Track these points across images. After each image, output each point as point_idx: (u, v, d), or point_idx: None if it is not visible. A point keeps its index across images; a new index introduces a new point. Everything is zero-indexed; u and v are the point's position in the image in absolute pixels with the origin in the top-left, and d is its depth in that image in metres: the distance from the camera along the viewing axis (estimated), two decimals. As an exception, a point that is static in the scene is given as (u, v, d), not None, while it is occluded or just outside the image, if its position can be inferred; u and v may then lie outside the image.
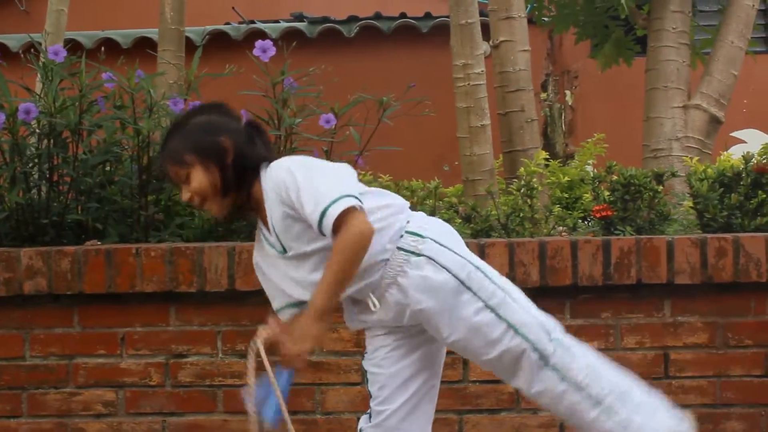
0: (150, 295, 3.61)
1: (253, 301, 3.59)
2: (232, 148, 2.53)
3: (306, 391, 3.59)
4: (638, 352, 3.59)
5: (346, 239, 2.35)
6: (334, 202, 2.34)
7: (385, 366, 2.60)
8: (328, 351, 3.59)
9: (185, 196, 2.56)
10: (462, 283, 2.47)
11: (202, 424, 3.63)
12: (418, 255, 2.47)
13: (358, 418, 3.56)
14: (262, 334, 2.58)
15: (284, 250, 2.53)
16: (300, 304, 2.56)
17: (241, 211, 2.66)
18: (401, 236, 2.49)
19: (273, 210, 2.49)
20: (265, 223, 2.56)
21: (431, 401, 2.67)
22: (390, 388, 2.60)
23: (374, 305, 2.51)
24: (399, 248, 2.48)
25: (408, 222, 2.53)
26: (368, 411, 2.69)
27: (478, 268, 2.53)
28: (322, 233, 2.38)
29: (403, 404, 2.59)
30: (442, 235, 2.54)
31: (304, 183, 2.41)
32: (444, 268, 2.47)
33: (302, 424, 3.59)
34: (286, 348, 2.49)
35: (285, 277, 2.59)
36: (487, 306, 2.47)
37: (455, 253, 2.51)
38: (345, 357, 3.60)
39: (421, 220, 2.58)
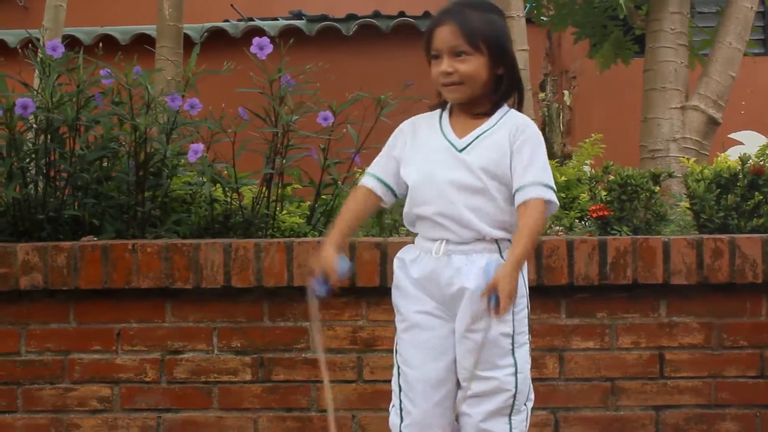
0: (146, 291, 3.60)
1: (248, 298, 3.60)
2: (512, 66, 2.61)
3: (302, 389, 3.59)
4: (633, 352, 3.58)
5: (543, 220, 2.50)
6: (551, 188, 2.51)
7: None
8: (324, 348, 3.58)
9: (446, 66, 2.51)
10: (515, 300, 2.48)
11: (197, 420, 3.62)
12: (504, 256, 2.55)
13: (353, 416, 3.58)
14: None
15: (460, 150, 2.56)
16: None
17: (471, 109, 2.61)
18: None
19: (499, 138, 2.53)
20: (459, 131, 2.59)
21: None
22: None
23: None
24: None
25: None
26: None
27: (528, 303, 2.63)
28: (516, 193, 2.49)
29: None
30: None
31: (543, 154, 2.55)
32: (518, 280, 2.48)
33: (297, 422, 3.59)
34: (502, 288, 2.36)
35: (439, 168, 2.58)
36: (514, 336, 2.56)
37: (525, 279, 2.58)
38: (341, 354, 3.59)
39: None
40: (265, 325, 3.62)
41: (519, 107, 2.66)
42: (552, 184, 2.53)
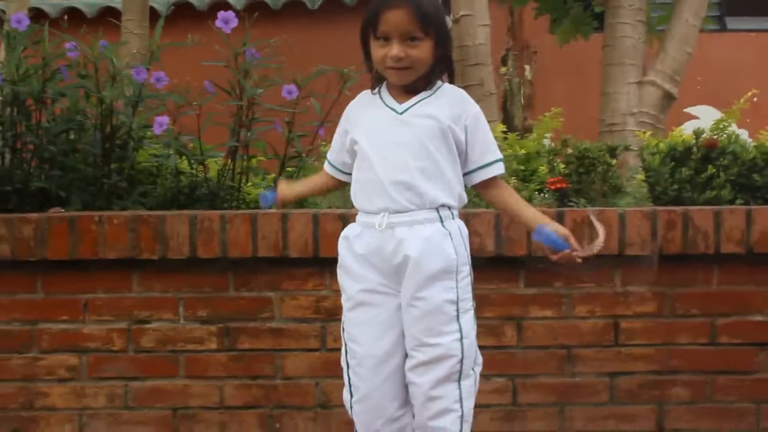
0: (113, 262, 3.61)
1: (213, 269, 3.62)
2: (450, 47, 2.69)
3: (266, 357, 3.62)
4: (589, 320, 3.64)
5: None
6: (501, 160, 2.69)
7: None
8: (288, 317, 3.63)
9: (397, 50, 2.52)
10: (458, 268, 2.59)
11: (164, 388, 3.66)
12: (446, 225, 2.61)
13: (317, 383, 3.63)
14: None
15: (401, 112, 2.63)
16: None
17: (409, 87, 2.65)
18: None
19: (440, 107, 2.61)
20: (399, 98, 2.65)
21: None
22: None
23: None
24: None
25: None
26: None
27: (472, 272, 2.69)
28: (470, 170, 2.66)
29: None
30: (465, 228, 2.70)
31: (487, 129, 2.69)
32: (455, 246, 2.60)
33: (262, 389, 3.63)
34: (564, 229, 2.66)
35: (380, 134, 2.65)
36: (458, 303, 2.60)
37: (467, 249, 2.67)
38: (304, 323, 3.63)
39: None
40: (230, 295, 3.65)
41: (451, 81, 2.74)
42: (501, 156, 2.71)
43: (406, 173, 2.55)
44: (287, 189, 2.92)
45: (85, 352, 3.66)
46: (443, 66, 2.66)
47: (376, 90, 2.70)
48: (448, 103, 2.61)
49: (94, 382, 3.66)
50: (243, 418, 3.65)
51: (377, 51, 2.57)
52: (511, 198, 2.70)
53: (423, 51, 2.54)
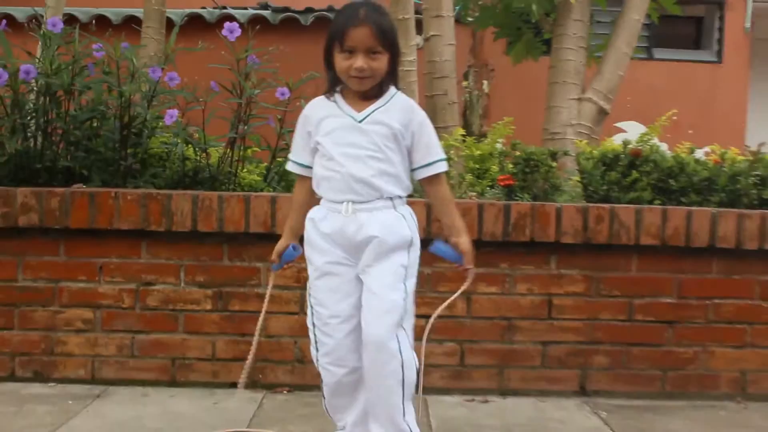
0: (125, 232, 3.59)
1: (211, 241, 3.61)
2: (399, 59, 2.68)
3: (253, 318, 3.55)
4: (528, 297, 3.65)
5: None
6: (444, 160, 2.69)
7: None
8: (275, 285, 3.59)
9: (361, 62, 2.53)
10: (412, 242, 2.64)
11: (165, 341, 3.63)
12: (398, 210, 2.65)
13: (295, 342, 3.61)
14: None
15: (359, 120, 2.62)
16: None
17: (365, 94, 2.64)
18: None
19: (392, 114, 2.62)
20: (356, 105, 2.63)
21: None
22: None
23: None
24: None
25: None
26: None
27: (420, 252, 2.70)
28: (416, 168, 2.67)
29: None
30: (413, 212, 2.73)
31: (432, 133, 2.69)
32: (408, 226, 2.64)
33: (248, 345, 3.59)
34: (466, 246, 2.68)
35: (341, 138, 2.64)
36: (407, 269, 2.63)
37: (417, 234, 2.68)
38: (287, 291, 3.63)
39: None
40: (224, 264, 3.63)
41: (396, 85, 2.69)
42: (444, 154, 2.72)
43: (366, 172, 2.57)
44: (292, 236, 2.83)
45: (99, 308, 3.64)
46: (393, 76, 2.66)
47: (332, 97, 2.67)
48: (399, 110, 2.62)
49: (106, 334, 3.63)
50: (231, 369, 3.63)
51: (342, 62, 2.56)
52: (442, 201, 2.73)
53: (381, 63, 2.56)
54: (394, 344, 2.55)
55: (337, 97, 2.66)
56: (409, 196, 2.71)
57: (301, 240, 2.75)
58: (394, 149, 2.60)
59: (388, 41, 2.55)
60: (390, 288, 2.58)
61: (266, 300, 2.87)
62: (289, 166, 2.78)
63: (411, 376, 2.61)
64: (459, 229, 2.68)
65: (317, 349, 2.69)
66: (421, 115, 2.67)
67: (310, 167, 2.71)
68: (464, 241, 2.66)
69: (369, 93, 2.62)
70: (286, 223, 2.84)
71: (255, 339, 2.84)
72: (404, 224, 2.62)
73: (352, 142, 2.59)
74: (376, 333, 2.55)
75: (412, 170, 2.68)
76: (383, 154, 2.59)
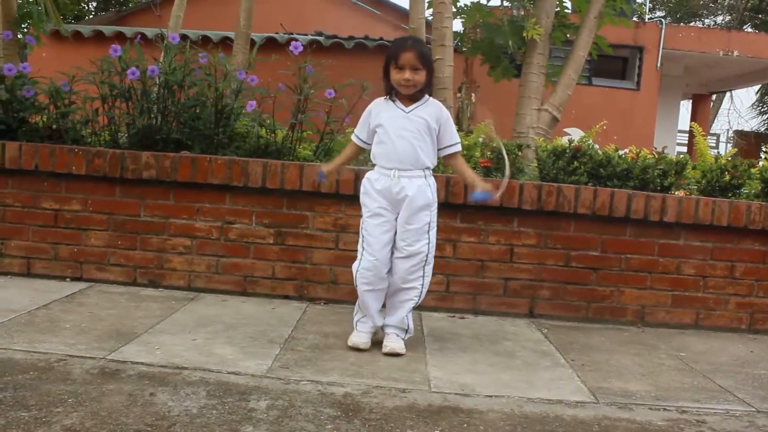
0: (215, 186, 3.54)
1: (275, 195, 3.56)
2: (433, 75, 2.81)
3: (302, 251, 3.57)
4: (496, 246, 3.58)
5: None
6: (458, 143, 2.82)
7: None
8: (317, 228, 3.56)
9: (408, 75, 2.66)
10: (432, 204, 2.77)
11: (239, 264, 3.59)
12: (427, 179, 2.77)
13: (331, 268, 3.57)
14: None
15: (407, 112, 2.73)
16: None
17: (411, 97, 2.74)
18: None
19: (427, 111, 2.73)
20: (405, 104, 2.75)
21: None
22: None
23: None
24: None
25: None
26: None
27: (437, 210, 2.81)
28: (442, 147, 2.77)
29: None
30: (435, 182, 2.83)
31: (452, 125, 2.82)
32: (431, 192, 2.77)
33: (297, 269, 3.57)
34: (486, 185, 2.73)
35: (394, 122, 2.74)
36: (430, 224, 2.77)
37: (435, 195, 2.81)
38: (326, 233, 3.57)
39: None
40: (283, 212, 3.57)
41: (430, 94, 2.82)
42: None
43: (410, 148, 2.70)
44: (329, 165, 2.92)
45: (195, 238, 3.60)
46: (429, 87, 2.78)
47: (389, 98, 2.79)
48: (432, 109, 2.77)
49: (199, 256, 3.60)
50: (285, 286, 3.59)
51: (396, 75, 2.70)
52: (462, 166, 2.84)
53: (421, 76, 2.70)
54: (417, 284, 2.76)
55: (394, 98, 2.80)
56: (434, 170, 2.83)
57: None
58: (428, 135, 2.73)
59: (426, 62, 2.70)
60: (417, 241, 2.73)
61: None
62: (352, 137, 2.89)
63: (420, 300, 2.82)
64: (475, 179, 2.77)
65: (360, 263, 2.77)
66: (446, 113, 2.81)
67: (362, 140, 2.84)
68: (482, 184, 2.74)
69: (413, 97, 2.76)
70: (335, 159, 2.96)
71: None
72: (429, 190, 2.75)
73: (402, 126, 2.71)
74: (404, 273, 2.75)
75: (439, 149, 2.79)
76: (421, 137, 2.71)
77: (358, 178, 3.42)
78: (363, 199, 2.79)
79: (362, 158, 3.28)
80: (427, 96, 2.77)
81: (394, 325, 2.82)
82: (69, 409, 2.00)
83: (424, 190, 2.71)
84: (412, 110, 2.72)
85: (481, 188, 2.72)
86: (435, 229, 2.78)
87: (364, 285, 2.76)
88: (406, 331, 2.85)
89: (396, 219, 2.73)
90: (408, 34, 4.81)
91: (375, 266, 2.72)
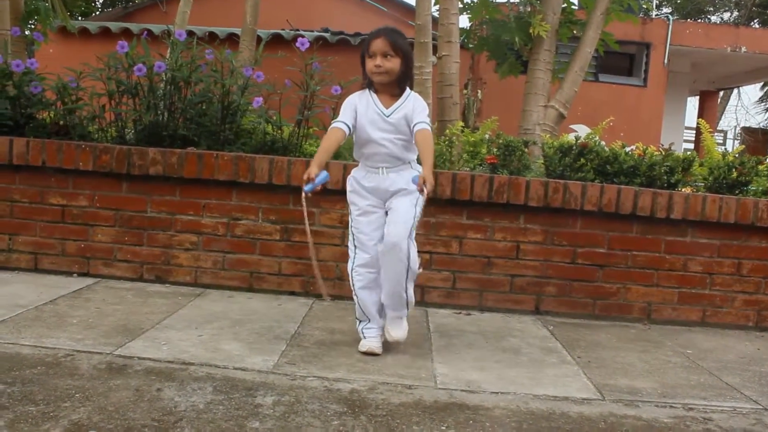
0: (222, 182, 3.54)
1: (281, 191, 3.55)
2: (411, 66, 2.72)
3: (307, 247, 3.53)
4: (502, 242, 3.57)
5: (432, 139, 2.64)
6: (428, 123, 2.65)
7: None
8: (323, 224, 3.56)
9: (379, 62, 2.61)
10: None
11: (245, 260, 3.60)
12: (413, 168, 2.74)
13: (337, 265, 3.57)
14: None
15: (387, 116, 2.67)
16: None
17: (385, 87, 2.68)
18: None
19: (407, 106, 2.66)
20: (385, 104, 2.68)
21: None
22: None
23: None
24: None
25: None
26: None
27: (425, 198, 2.66)
28: (411, 125, 2.63)
29: None
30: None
31: (425, 108, 2.69)
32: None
33: (303, 266, 3.58)
34: (430, 182, 2.48)
35: (376, 127, 2.68)
36: (417, 201, 2.70)
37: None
38: (332, 229, 3.57)
39: None
40: (289, 208, 3.57)
41: (411, 87, 2.75)
42: (429, 121, 2.67)
43: (395, 149, 2.68)
44: (313, 166, 2.59)
45: (202, 234, 3.60)
46: (406, 77, 2.70)
47: (369, 91, 2.72)
48: (412, 104, 2.67)
49: (206, 252, 3.60)
50: (291, 282, 3.60)
51: (368, 63, 2.65)
52: (422, 146, 2.58)
53: (393, 63, 2.62)
54: (404, 245, 2.65)
55: (372, 93, 2.73)
56: (440, 167, 2.77)
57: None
58: (408, 127, 2.67)
59: (398, 49, 2.61)
60: (406, 210, 2.67)
61: (305, 216, 2.71)
62: (336, 124, 2.70)
63: (414, 267, 2.70)
64: (426, 163, 2.53)
65: (354, 262, 2.75)
66: (421, 101, 2.72)
67: (346, 124, 2.68)
68: (425, 172, 2.49)
69: (393, 91, 2.69)
70: (315, 157, 2.59)
71: (313, 261, 2.81)
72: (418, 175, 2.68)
73: (383, 128, 2.67)
74: (395, 233, 2.64)
75: (410, 128, 2.66)
76: (404, 135, 2.68)
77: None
78: (352, 197, 2.76)
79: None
80: (408, 90, 2.70)
81: (393, 308, 2.77)
82: (76, 404, 2.01)
83: (415, 177, 2.62)
84: (392, 113, 2.66)
85: (419, 179, 2.51)
86: (420, 208, 2.70)
87: (360, 283, 2.74)
88: (407, 306, 2.78)
89: (385, 213, 2.71)
90: (413, 30, 4.79)
91: (369, 262, 2.71)
